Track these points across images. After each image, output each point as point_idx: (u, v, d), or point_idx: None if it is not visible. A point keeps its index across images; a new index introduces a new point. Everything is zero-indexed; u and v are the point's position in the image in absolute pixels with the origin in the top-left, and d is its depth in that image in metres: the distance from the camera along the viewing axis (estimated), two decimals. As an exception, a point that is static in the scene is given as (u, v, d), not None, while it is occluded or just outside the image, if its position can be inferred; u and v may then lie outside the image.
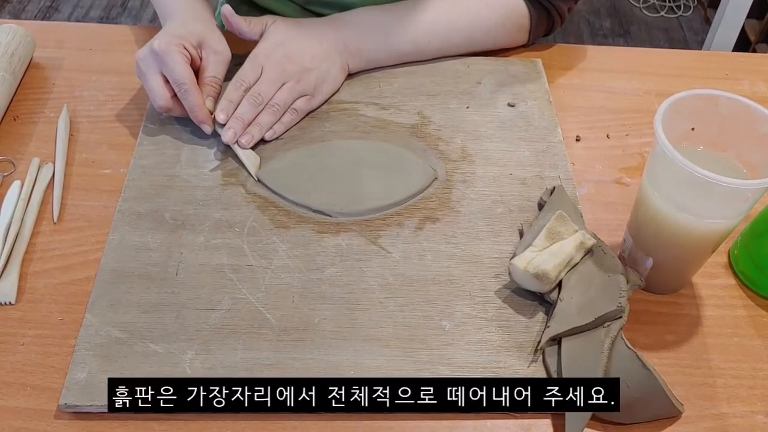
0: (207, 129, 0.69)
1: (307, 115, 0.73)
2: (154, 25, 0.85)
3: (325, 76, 0.73)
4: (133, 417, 0.52)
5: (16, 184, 0.66)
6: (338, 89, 0.75)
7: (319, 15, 0.83)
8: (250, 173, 0.67)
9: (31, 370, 0.54)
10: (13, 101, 0.75)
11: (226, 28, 0.73)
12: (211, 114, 0.69)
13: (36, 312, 0.58)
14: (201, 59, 0.71)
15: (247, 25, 0.73)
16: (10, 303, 0.58)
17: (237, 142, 0.68)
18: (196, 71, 0.70)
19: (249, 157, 0.68)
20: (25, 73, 0.78)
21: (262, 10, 0.87)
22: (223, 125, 0.68)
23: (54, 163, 0.69)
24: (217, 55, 0.71)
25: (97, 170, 0.69)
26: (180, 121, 0.72)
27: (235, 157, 0.69)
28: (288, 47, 0.72)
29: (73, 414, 0.52)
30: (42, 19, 2.28)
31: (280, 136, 0.71)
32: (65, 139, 0.71)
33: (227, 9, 0.72)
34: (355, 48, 0.75)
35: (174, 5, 0.75)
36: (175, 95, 0.68)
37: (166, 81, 0.68)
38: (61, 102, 0.75)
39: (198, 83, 0.69)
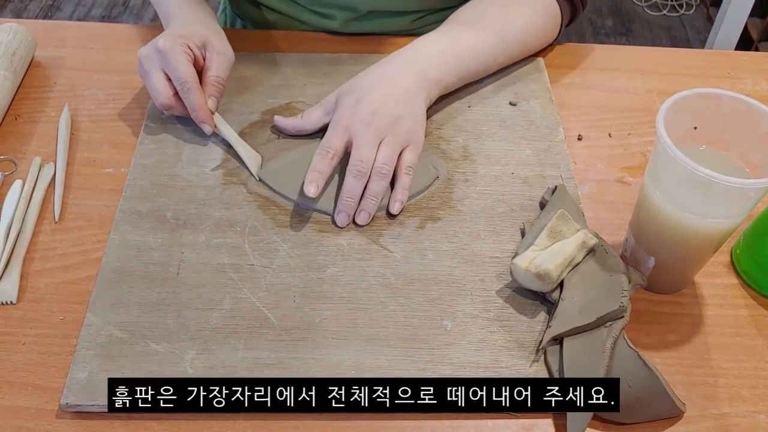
0: (207, 129, 0.69)
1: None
2: (155, 23, 0.85)
3: (416, 118, 0.67)
4: (133, 416, 0.52)
5: (18, 183, 0.66)
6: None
7: (324, 15, 0.83)
8: (251, 173, 0.67)
9: (32, 370, 0.54)
10: (15, 100, 0.75)
11: (287, 132, 0.71)
12: (213, 114, 0.69)
13: (37, 311, 0.58)
14: (204, 59, 0.70)
15: (309, 117, 0.70)
16: (11, 302, 0.58)
17: (354, 222, 0.64)
18: (200, 71, 0.69)
19: (250, 157, 0.68)
20: (26, 72, 0.78)
21: (265, 10, 0.87)
22: (313, 198, 0.63)
23: (55, 163, 0.69)
24: (220, 55, 0.70)
25: (99, 169, 0.69)
26: (181, 121, 0.72)
27: (237, 156, 0.69)
28: (368, 102, 0.66)
29: (74, 413, 0.52)
30: (43, 18, 2.28)
31: (281, 135, 0.71)
32: (66, 138, 0.71)
33: (278, 119, 0.70)
34: (435, 78, 0.70)
35: (176, 8, 0.75)
36: (176, 94, 0.68)
37: (169, 79, 0.68)
38: (62, 101, 0.75)
39: (201, 83, 0.69)
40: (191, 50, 0.68)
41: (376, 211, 0.64)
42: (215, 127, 0.69)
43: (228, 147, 0.69)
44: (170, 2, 0.76)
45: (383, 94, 0.67)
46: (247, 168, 0.68)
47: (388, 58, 0.71)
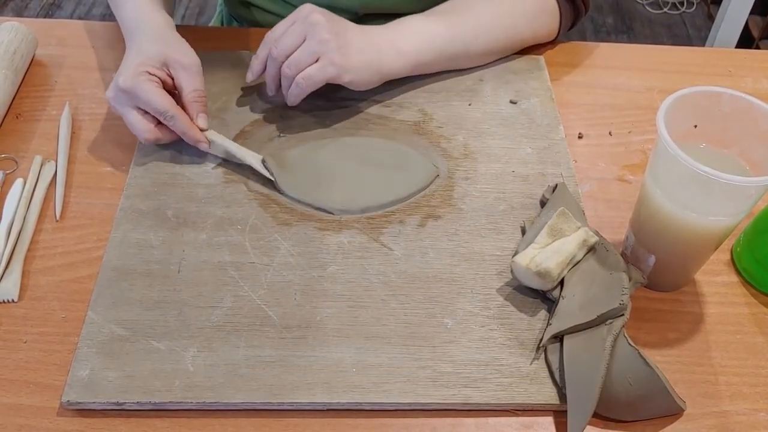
0: (204, 147, 0.67)
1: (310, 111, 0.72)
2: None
3: (347, 49, 0.67)
4: (134, 414, 0.52)
5: (19, 181, 0.66)
6: (367, 88, 0.71)
7: None
8: (264, 174, 0.66)
9: (33, 368, 0.55)
10: (16, 99, 0.75)
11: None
12: (203, 130, 0.67)
13: (39, 309, 0.58)
14: (172, 78, 0.67)
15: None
16: (12, 300, 0.58)
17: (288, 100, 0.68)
18: (170, 91, 0.67)
19: (255, 160, 0.66)
20: (27, 70, 0.78)
21: (262, 12, 0.87)
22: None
23: (56, 161, 0.69)
24: (186, 69, 0.67)
25: (99, 168, 0.69)
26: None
27: (240, 163, 0.68)
28: (330, 15, 0.68)
29: (75, 411, 0.52)
30: (44, 17, 2.28)
31: (281, 133, 0.71)
32: (67, 136, 0.71)
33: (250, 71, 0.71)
34: (409, 48, 0.71)
35: (128, 22, 0.71)
36: (158, 124, 0.66)
37: (145, 113, 0.65)
38: (63, 100, 0.75)
39: (180, 104, 0.66)
40: (155, 75, 0.65)
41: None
42: (210, 141, 0.67)
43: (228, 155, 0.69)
44: (124, 11, 0.72)
45: (344, 22, 0.69)
46: (258, 172, 0.66)
47: (371, 26, 0.72)
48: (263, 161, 0.66)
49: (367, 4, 0.81)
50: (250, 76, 0.70)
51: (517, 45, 0.79)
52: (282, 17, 0.86)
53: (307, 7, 0.68)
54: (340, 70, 0.67)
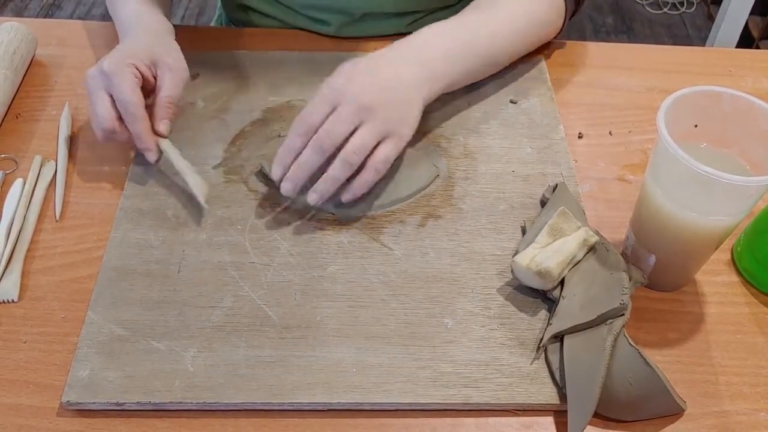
0: (151, 157, 0.65)
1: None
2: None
3: (407, 111, 0.62)
4: (134, 414, 0.52)
5: (19, 181, 0.66)
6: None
7: (318, 20, 0.82)
8: (200, 202, 0.63)
9: (33, 368, 0.55)
10: (15, 99, 0.75)
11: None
12: (166, 137, 0.66)
13: (38, 309, 0.58)
14: (156, 78, 0.66)
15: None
16: (12, 301, 0.58)
17: (309, 200, 0.60)
18: (151, 91, 0.66)
19: (198, 186, 0.64)
20: (27, 70, 0.78)
21: (260, 16, 0.87)
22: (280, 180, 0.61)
23: (56, 161, 0.69)
24: (172, 72, 0.66)
25: (99, 168, 0.69)
26: (181, 119, 0.72)
27: (185, 183, 0.65)
28: (360, 81, 0.61)
29: (75, 411, 0.52)
30: (44, 17, 2.28)
31: (281, 133, 0.69)
32: (67, 136, 0.71)
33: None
34: (441, 72, 0.66)
35: (127, 21, 0.71)
36: (119, 118, 0.64)
37: (113, 103, 0.63)
38: (63, 100, 0.75)
39: (152, 105, 0.65)
40: (139, 71, 0.64)
41: (342, 197, 0.62)
42: (162, 152, 0.66)
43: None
44: (124, 13, 0.72)
45: (380, 77, 0.62)
46: (194, 195, 0.64)
47: (394, 44, 0.66)
48: (261, 166, 0.66)
49: (364, 5, 0.81)
50: (280, 172, 0.61)
51: (532, 47, 0.77)
52: (280, 21, 0.85)
53: (341, 85, 0.61)
54: (409, 136, 0.63)
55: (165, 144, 0.66)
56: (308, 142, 0.60)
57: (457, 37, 0.69)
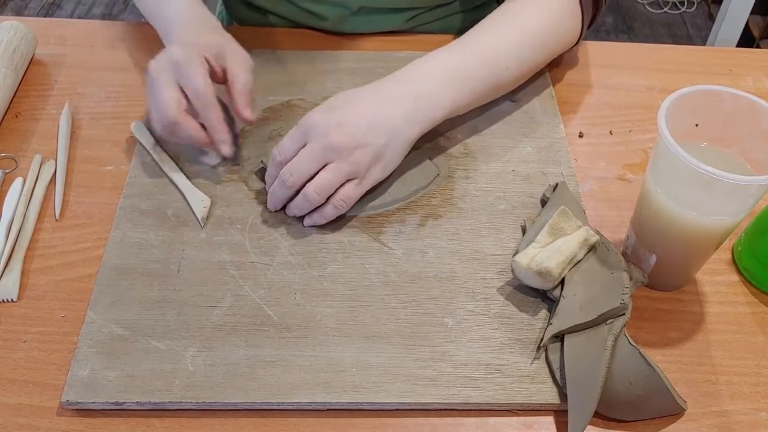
0: (226, 150, 0.64)
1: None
2: (155, 21, 0.85)
3: (383, 153, 0.61)
4: (134, 414, 0.52)
5: (18, 181, 0.66)
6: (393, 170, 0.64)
7: (316, 15, 0.82)
8: (196, 218, 0.63)
9: (33, 367, 0.54)
10: (15, 98, 0.75)
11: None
12: (253, 122, 0.66)
13: (38, 309, 0.58)
14: (225, 71, 0.65)
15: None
16: (12, 300, 0.58)
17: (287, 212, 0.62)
18: (219, 82, 0.66)
19: (195, 201, 0.64)
20: (26, 69, 0.78)
21: (260, 12, 0.87)
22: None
23: (56, 160, 0.69)
24: (241, 63, 0.66)
25: (99, 167, 0.69)
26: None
27: (183, 196, 0.65)
28: (339, 114, 0.60)
29: (75, 411, 0.52)
30: (44, 16, 2.28)
31: (282, 133, 0.70)
32: (67, 135, 0.71)
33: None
34: (438, 103, 0.63)
35: (179, 17, 0.69)
36: (185, 111, 0.62)
37: (182, 93, 0.62)
38: (62, 99, 0.75)
39: (231, 92, 0.65)
40: (208, 62, 0.63)
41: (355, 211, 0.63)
42: (167, 162, 0.66)
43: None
44: (171, 11, 0.70)
45: (362, 112, 0.60)
46: (192, 211, 0.64)
47: (393, 75, 0.64)
48: (262, 162, 0.66)
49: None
50: (271, 205, 0.63)
51: (547, 60, 0.74)
52: (278, 16, 0.84)
53: (315, 121, 0.60)
54: (381, 177, 0.63)
55: (167, 167, 0.67)
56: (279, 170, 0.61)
57: (465, 62, 0.65)
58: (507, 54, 0.68)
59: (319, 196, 0.60)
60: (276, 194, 0.62)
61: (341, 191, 0.60)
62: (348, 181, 0.61)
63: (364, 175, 0.61)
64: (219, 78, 0.66)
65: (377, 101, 0.62)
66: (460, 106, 0.66)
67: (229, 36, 0.69)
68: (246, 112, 0.65)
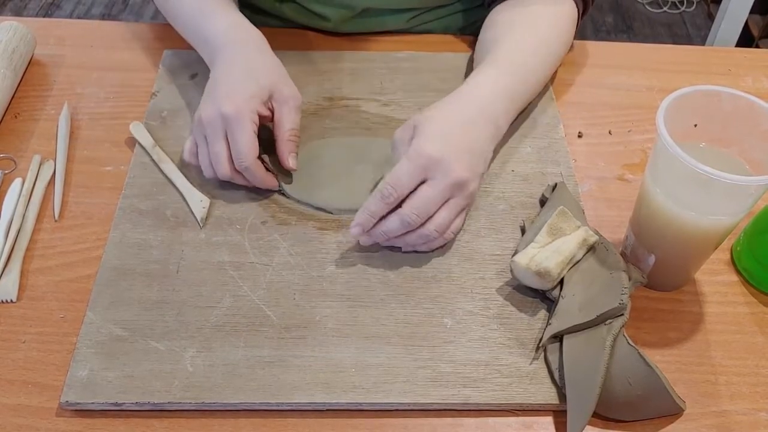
0: (274, 185, 0.65)
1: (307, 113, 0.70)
2: (155, 22, 0.85)
3: (481, 179, 0.62)
4: (133, 414, 0.52)
5: (17, 181, 0.66)
6: None
7: (319, 15, 0.82)
8: (196, 219, 0.63)
9: (32, 368, 0.54)
10: (14, 98, 0.75)
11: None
12: (295, 170, 0.65)
13: (37, 309, 0.58)
14: (273, 111, 0.65)
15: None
16: (11, 300, 0.58)
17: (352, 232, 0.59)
18: (264, 124, 0.65)
19: (194, 201, 0.64)
20: (26, 70, 0.78)
21: (262, 13, 0.87)
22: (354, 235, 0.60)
23: (55, 161, 0.69)
24: (289, 103, 0.64)
25: (99, 167, 0.69)
26: (181, 120, 0.72)
27: (182, 196, 0.65)
28: (450, 143, 0.59)
29: (74, 411, 0.52)
30: (43, 17, 2.28)
31: None
32: (66, 136, 0.71)
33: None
34: (503, 123, 0.66)
35: (221, 37, 0.67)
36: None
37: (228, 147, 0.62)
38: (62, 99, 0.75)
39: (276, 138, 0.64)
40: (258, 113, 0.63)
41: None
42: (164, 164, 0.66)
43: None
44: (212, 29, 0.68)
45: (463, 140, 0.60)
46: (191, 212, 0.64)
47: (462, 96, 0.64)
48: (263, 160, 0.66)
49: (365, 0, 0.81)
50: (357, 231, 0.59)
51: (557, 66, 0.76)
52: (282, 20, 0.84)
53: (434, 153, 0.58)
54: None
55: (166, 168, 0.67)
56: (391, 208, 0.58)
57: (513, 83, 0.67)
58: (535, 70, 0.70)
59: (438, 233, 0.59)
60: (391, 232, 0.58)
61: (453, 225, 0.60)
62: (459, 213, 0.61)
63: (470, 205, 0.62)
64: (268, 118, 0.65)
65: (472, 130, 0.61)
66: (508, 123, 0.68)
67: (279, 69, 0.67)
68: (289, 161, 0.64)
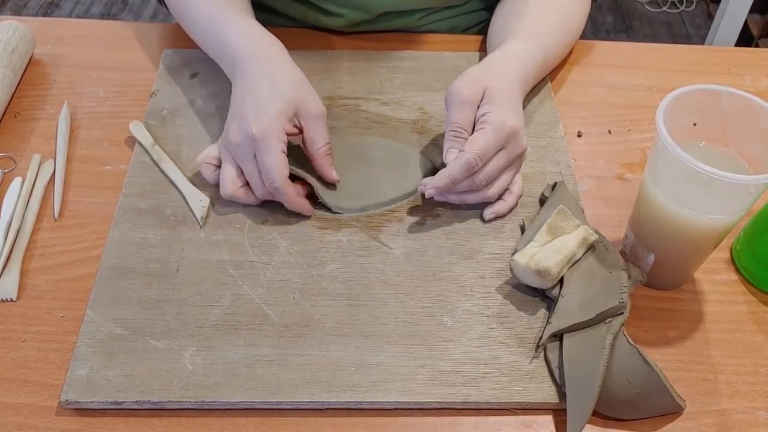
0: (307, 212, 0.64)
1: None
2: (155, 21, 0.85)
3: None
4: (133, 413, 0.52)
5: (17, 180, 0.66)
6: None
7: (328, 12, 0.81)
8: (196, 218, 0.63)
9: (32, 367, 0.54)
10: (14, 98, 0.75)
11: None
12: (337, 181, 0.65)
13: (37, 308, 0.58)
14: (301, 129, 0.64)
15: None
16: (11, 300, 0.58)
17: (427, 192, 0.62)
18: (297, 139, 0.65)
19: (194, 199, 0.64)
20: (25, 69, 0.78)
21: (270, 11, 0.86)
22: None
23: (55, 160, 0.69)
24: (316, 120, 0.63)
25: (98, 167, 0.69)
26: (181, 119, 0.72)
27: (182, 196, 0.65)
28: (513, 109, 0.63)
29: (74, 410, 0.52)
30: (43, 16, 2.28)
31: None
32: (66, 135, 0.71)
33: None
34: (532, 82, 0.71)
35: (240, 48, 0.66)
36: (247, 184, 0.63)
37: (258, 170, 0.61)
38: (61, 98, 0.75)
39: (312, 155, 0.64)
40: (286, 131, 0.62)
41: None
42: (163, 164, 0.66)
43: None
44: (230, 38, 0.67)
45: (515, 101, 0.64)
46: (191, 211, 0.64)
47: (509, 62, 0.68)
48: (304, 178, 0.65)
49: (385, 4, 0.80)
50: (437, 194, 0.62)
51: (574, 42, 0.80)
52: (290, 18, 0.83)
53: (509, 120, 0.62)
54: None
55: (165, 167, 0.67)
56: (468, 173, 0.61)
57: (543, 53, 0.72)
58: (557, 43, 0.75)
59: (497, 190, 0.64)
60: (460, 187, 0.62)
61: (517, 187, 0.66)
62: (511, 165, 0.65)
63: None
64: (299, 133, 0.64)
65: (521, 97, 0.67)
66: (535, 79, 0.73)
67: (303, 82, 0.65)
68: (329, 174, 0.65)
